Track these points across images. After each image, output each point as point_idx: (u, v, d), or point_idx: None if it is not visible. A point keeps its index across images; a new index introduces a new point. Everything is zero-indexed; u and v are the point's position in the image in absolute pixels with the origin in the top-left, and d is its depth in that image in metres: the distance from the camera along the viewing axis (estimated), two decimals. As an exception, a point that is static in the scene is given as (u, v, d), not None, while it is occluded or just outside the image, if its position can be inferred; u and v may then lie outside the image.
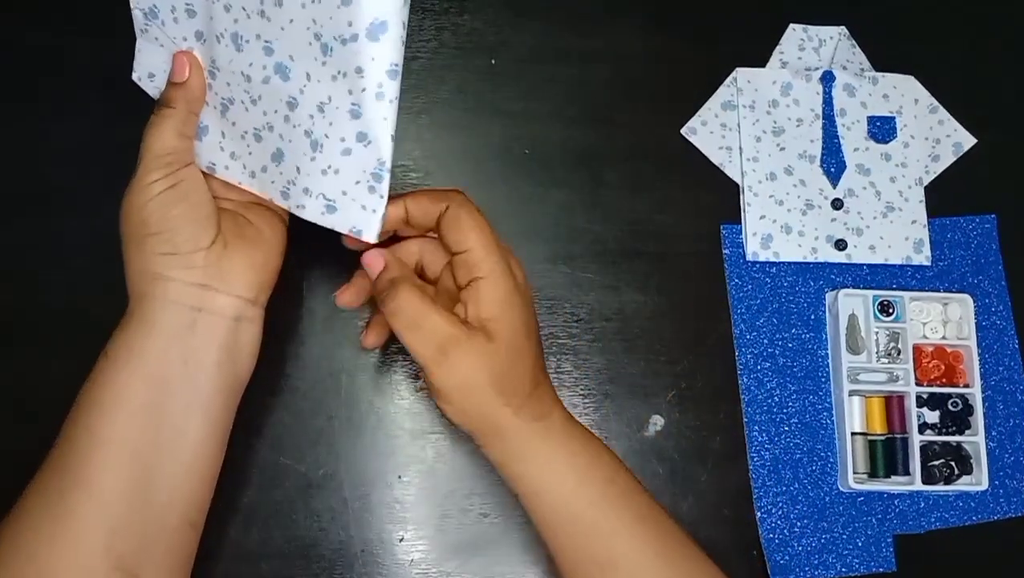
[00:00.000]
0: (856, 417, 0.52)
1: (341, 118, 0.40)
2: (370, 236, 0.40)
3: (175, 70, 0.42)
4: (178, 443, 0.40)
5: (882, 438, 0.51)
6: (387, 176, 0.40)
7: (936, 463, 0.51)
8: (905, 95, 0.58)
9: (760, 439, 0.52)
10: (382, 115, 0.39)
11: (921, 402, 0.52)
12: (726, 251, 0.54)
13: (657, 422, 0.51)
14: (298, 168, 0.41)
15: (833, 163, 0.56)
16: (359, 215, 0.41)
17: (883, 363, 0.52)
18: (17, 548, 0.38)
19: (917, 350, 0.52)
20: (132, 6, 0.43)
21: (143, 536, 0.39)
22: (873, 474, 0.51)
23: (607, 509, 0.41)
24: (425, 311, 0.39)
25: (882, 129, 0.57)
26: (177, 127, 0.42)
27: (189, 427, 0.41)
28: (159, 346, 0.40)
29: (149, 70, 0.44)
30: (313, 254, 0.51)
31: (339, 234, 0.42)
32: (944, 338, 0.53)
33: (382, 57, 0.38)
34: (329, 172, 0.40)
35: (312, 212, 0.41)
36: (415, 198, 0.42)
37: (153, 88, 0.44)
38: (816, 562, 0.50)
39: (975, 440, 0.51)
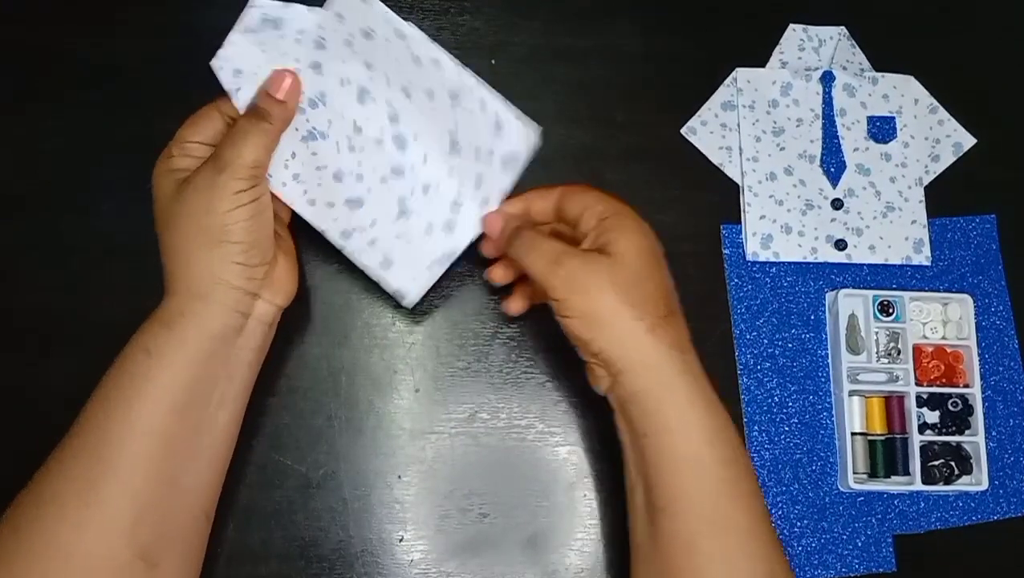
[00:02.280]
0: (856, 417, 0.52)
1: (440, 205, 0.46)
2: (407, 304, 0.47)
3: (280, 86, 0.43)
4: (207, 437, 0.42)
5: (882, 438, 0.51)
6: (447, 265, 0.46)
7: (936, 463, 0.51)
8: (905, 95, 0.58)
9: (760, 439, 0.52)
10: (475, 219, 0.46)
11: (921, 402, 0.52)
12: (726, 251, 0.54)
13: (657, 422, 0.51)
14: (374, 221, 0.46)
15: (833, 163, 0.56)
16: (408, 283, 0.46)
17: (883, 363, 0.52)
18: (41, 532, 0.38)
19: (917, 350, 0.52)
20: (252, 4, 0.44)
21: (165, 526, 0.40)
22: (873, 474, 0.51)
23: (736, 475, 0.40)
24: (542, 238, 0.43)
25: (882, 129, 0.57)
26: (269, 142, 0.43)
27: (218, 422, 0.43)
28: (210, 348, 0.41)
29: (237, 66, 0.44)
30: (313, 255, 0.51)
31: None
32: (944, 338, 0.53)
33: (502, 181, 0.45)
34: (403, 239, 0.46)
35: (368, 260, 0.46)
36: (533, 193, 0.46)
37: (231, 81, 0.44)
38: (816, 562, 0.50)
39: (975, 440, 0.51)
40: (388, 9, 0.42)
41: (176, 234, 0.42)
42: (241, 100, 0.44)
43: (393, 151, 0.46)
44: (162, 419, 0.40)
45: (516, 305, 0.49)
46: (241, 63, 0.44)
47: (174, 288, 0.42)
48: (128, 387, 0.40)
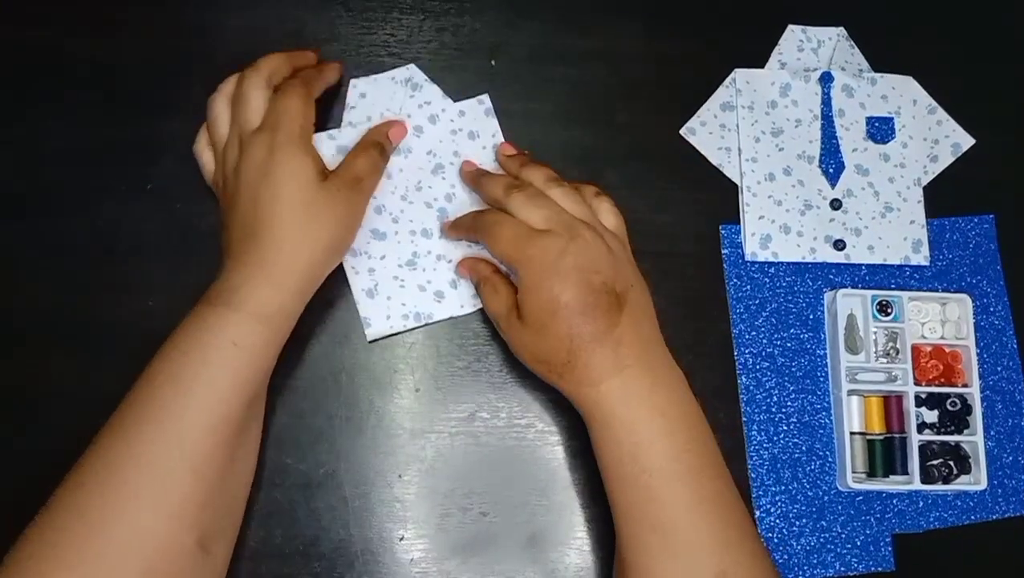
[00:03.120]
0: (855, 417, 0.52)
1: (443, 275, 0.51)
2: (368, 335, 0.51)
3: (398, 135, 0.52)
4: (257, 423, 0.45)
5: (881, 438, 0.51)
6: (418, 324, 0.51)
7: (935, 463, 0.51)
8: (904, 96, 0.58)
9: (759, 439, 0.52)
10: (462, 303, 0.51)
11: (920, 402, 0.52)
12: (725, 251, 0.55)
13: (656, 422, 0.51)
14: (384, 256, 0.51)
15: (832, 163, 0.57)
16: (380, 321, 0.51)
17: (882, 363, 0.52)
18: (116, 515, 0.38)
19: (916, 350, 0.52)
20: (408, 67, 0.55)
21: (220, 511, 0.41)
22: (872, 474, 0.51)
23: (662, 482, 0.42)
24: (504, 289, 0.47)
25: (881, 129, 0.57)
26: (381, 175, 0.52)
27: (262, 409, 0.46)
28: (280, 346, 0.44)
29: (364, 90, 0.54)
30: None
31: None
32: (943, 338, 0.53)
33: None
34: (397, 282, 0.51)
35: (359, 282, 0.51)
36: (457, 222, 0.51)
37: (353, 98, 0.54)
38: (815, 561, 0.50)
39: (974, 440, 0.51)
40: (499, 128, 0.54)
41: (309, 230, 0.44)
42: (353, 117, 0.53)
43: (433, 218, 0.52)
44: (240, 410, 0.41)
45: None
46: (369, 93, 0.54)
47: (277, 281, 0.43)
48: (215, 378, 0.40)
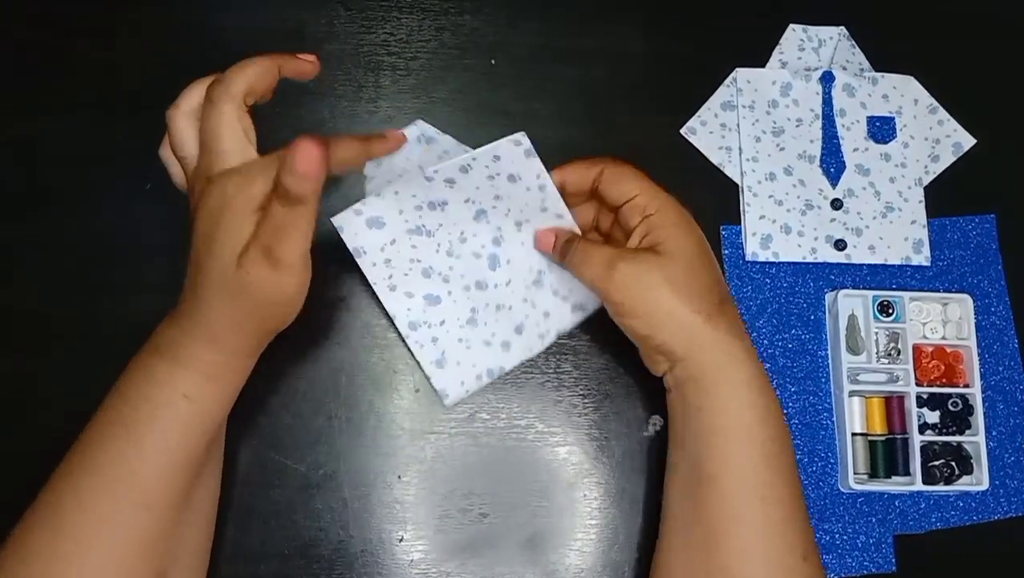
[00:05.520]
0: (856, 417, 0.52)
1: (506, 324, 0.50)
2: (447, 404, 0.50)
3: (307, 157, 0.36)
4: (217, 460, 0.44)
5: (882, 438, 0.51)
6: (493, 378, 0.50)
7: (936, 463, 0.51)
8: (905, 95, 0.58)
9: (760, 439, 0.52)
10: (530, 345, 0.50)
11: (921, 402, 0.52)
12: (725, 252, 0.54)
13: (657, 422, 0.51)
14: (444, 321, 0.50)
15: (833, 163, 0.56)
16: (455, 387, 0.50)
17: (883, 363, 0.52)
18: (59, 560, 0.37)
19: (917, 350, 0.52)
20: (415, 123, 0.51)
21: (181, 542, 0.41)
22: (873, 474, 0.51)
23: (782, 450, 0.42)
24: (593, 246, 0.44)
25: (882, 129, 0.57)
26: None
27: (221, 447, 0.44)
28: (236, 394, 0.43)
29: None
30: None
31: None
32: (944, 338, 0.53)
33: (566, 321, 0.51)
34: (463, 343, 0.50)
35: (425, 355, 0.50)
36: (571, 167, 0.46)
37: (371, 168, 0.49)
38: (816, 562, 0.50)
39: (975, 440, 0.51)
40: (543, 167, 0.45)
41: (237, 311, 0.39)
42: (374, 186, 0.49)
43: (484, 267, 0.49)
44: (198, 456, 0.41)
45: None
46: (384, 158, 0.49)
47: (220, 345, 0.40)
48: (167, 430, 0.39)
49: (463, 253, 0.49)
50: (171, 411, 0.39)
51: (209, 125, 0.40)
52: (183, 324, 0.40)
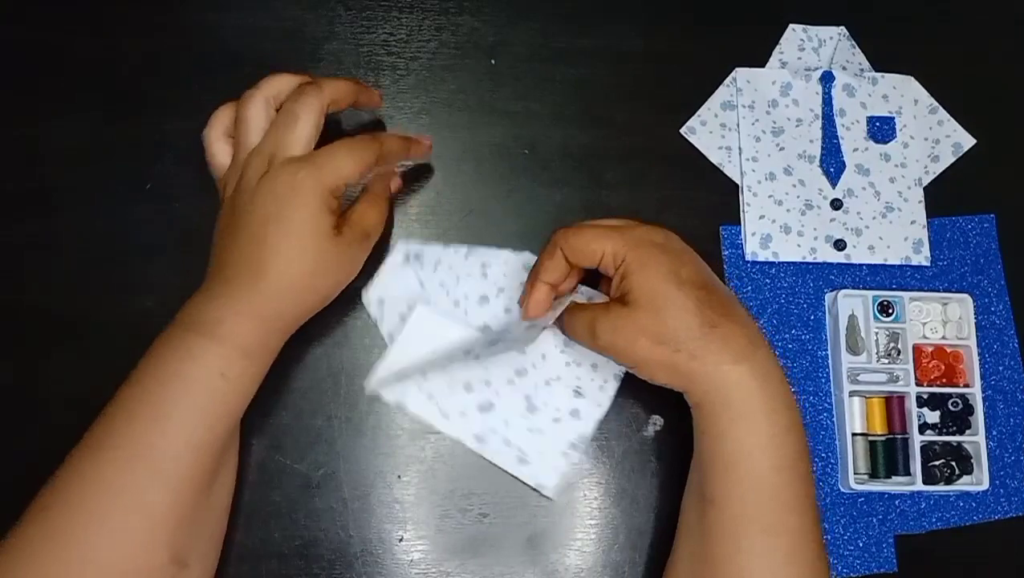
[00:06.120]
0: (856, 418, 0.52)
1: (564, 394, 0.50)
2: (550, 494, 0.49)
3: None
4: (235, 447, 0.45)
5: (882, 438, 0.51)
6: (582, 448, 0.49)
7: (937, 463, 0.51)
8: (905, 95, 0.58)
9: (760, 439, 0.52)
10: (598, 401, 0.50)
11: (921, 402, 0.52)
12: (725, 252, 0.54)
13: (657, 422, 0.51)
14: (506, 421, 0.49)
15: (832, 163, 0.56)
16: (548, 475, 0.49)
17: (883, 363, 0.52)
18: (79, 541, 0.38)
19: (917, 350, 0.52)
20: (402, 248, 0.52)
21: (198, 527, 0.41)
22: (874, 475, 0.51)
23: (789, 480, 0.41)
24: (577, 310, 0.45)
25: (881, 129, 0.57)
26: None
27: (237, 433, 0.45)
28: (262, 378, 0.44)
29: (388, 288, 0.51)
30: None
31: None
32: (944, 338, 0.53)
33: (613, 362, 0.47)
34: (535, 432, 0.49)
35: (504, 460, 0.49)
36: (536, 275, 0.46)
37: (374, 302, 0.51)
38: (816, 562, 0.50)
39: (975, 440, 0.51)
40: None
41: (313, 281, 0.43)
42: (384, 328, 0.50)
43: (515, 354, 0.50)
44: (222, 437, 0.41)
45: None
46: (384, 296, 0.51)
47: (267, 321, 0.42)
48: (198, 407, 0.40)
49: (493, 352, 0.49)
50: (204, 387, 0.40)
51: (296, 109, 0.43)
52: (231, 303, 0.41)
